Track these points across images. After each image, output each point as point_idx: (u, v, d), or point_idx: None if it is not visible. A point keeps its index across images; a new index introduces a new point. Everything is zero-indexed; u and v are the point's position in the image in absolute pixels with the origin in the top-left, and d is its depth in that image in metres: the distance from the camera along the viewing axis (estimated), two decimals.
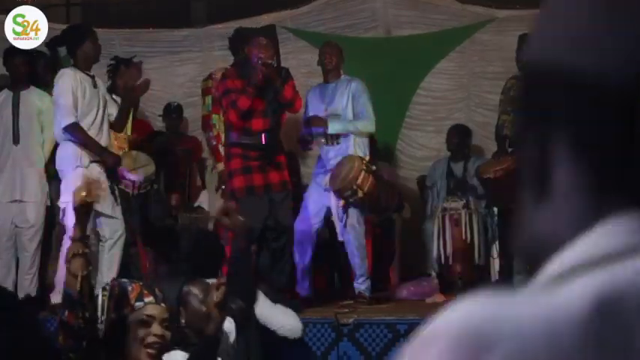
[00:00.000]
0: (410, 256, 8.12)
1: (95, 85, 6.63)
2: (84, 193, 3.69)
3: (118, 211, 6.44)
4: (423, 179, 8.32)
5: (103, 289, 3.39)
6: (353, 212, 6.84)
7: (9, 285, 6.80)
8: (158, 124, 8.64)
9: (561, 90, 0.63)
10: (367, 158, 6.93)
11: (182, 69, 9.56)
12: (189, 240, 4.87)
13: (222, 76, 6.96)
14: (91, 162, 6.54)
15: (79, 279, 3.35)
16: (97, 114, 6.58)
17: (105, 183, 5.86)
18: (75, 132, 6.43)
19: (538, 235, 0.66)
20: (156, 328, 3.37)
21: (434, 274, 7.49)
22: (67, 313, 3.28)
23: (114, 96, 7.04)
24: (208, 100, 7.66)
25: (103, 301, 3.29)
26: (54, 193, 6.91)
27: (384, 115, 7.68)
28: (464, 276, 7.42)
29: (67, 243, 6.51)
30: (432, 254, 7.45)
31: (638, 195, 0.58)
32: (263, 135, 6.59)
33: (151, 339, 3.36)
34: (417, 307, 6.81)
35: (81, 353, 3.24)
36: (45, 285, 6.96)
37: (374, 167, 6.74)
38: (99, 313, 3.27)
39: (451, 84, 9.39)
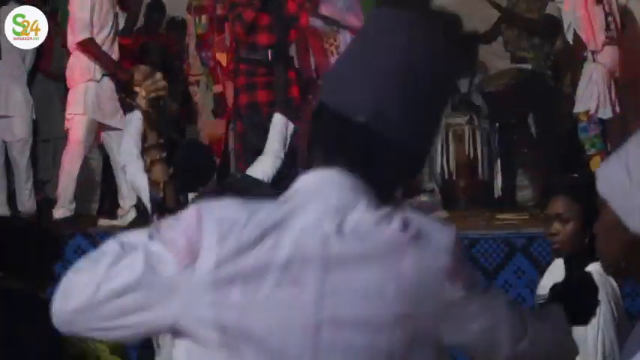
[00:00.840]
0: None
1: None
2: (152, 85, 3.46)
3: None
4: None
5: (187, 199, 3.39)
6: None
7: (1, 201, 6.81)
8: None
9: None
10: None
11: None
12: (182, 151, 4.82)
13: None
14: (103, 75, 6.54)
15: (162, 185, 3.33)
16: (111, 29, 6.56)
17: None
18: (89, 47, 6.43)
19: None
20: None
21: (437, 189, 7.47)
22: (155, 217, 3.30)
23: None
24: (205, 19, 7.49)
25: None
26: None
27: None
28: (467, 191, 7.40)
29: (68, 153, 6.55)
30: (435, 169, 7.43)
31: (341, 160, 1.44)
32: (269, 51, 6.55)
33: None
34: None
35: None
36: (44, 199, 6.99)
37: None
38: None
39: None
